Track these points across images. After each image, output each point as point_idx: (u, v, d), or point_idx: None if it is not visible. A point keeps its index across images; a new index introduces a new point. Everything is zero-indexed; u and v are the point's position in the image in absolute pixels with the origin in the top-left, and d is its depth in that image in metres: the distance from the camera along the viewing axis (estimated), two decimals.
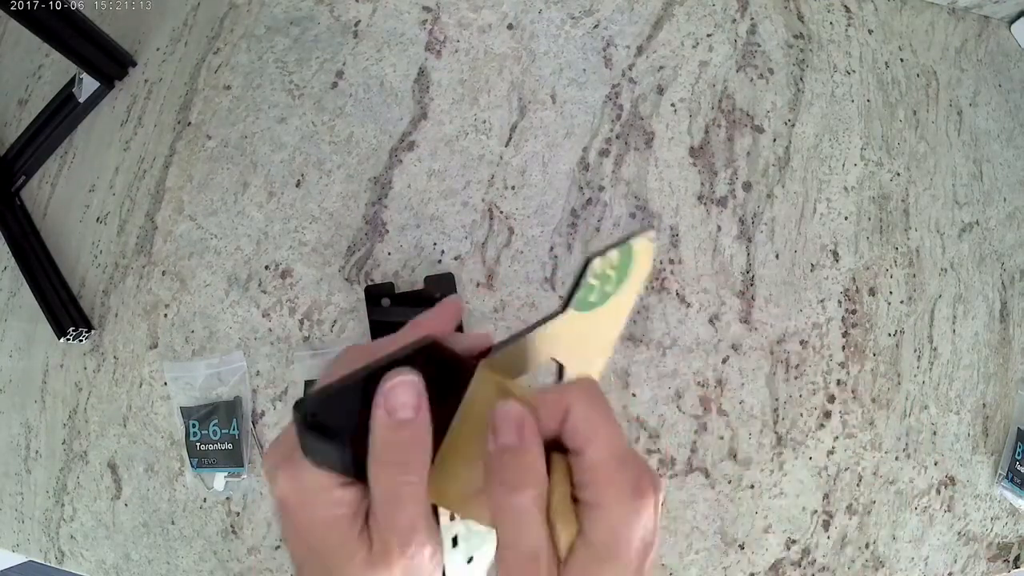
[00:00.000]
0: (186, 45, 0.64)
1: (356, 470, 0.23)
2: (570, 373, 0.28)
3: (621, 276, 0.28)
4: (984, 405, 0.64)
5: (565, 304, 0.27)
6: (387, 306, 0.56)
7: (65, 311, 0.58)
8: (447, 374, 0.25)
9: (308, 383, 0.55)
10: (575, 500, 0.22)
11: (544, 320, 0.27)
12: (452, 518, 0.25)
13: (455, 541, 0.25)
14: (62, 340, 0.57)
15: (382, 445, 0.22)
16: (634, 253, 0.28)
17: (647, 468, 0.23)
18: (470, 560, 0.26)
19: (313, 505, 0.22)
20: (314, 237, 0.58)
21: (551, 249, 0.59)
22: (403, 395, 0.22)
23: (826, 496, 0.60)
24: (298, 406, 0.22)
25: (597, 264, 0.27)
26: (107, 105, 0.64)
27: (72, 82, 0.62)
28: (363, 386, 0.23)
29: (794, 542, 0.59)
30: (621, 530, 0.21)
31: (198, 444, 0.56)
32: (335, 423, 0.22)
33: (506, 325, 0.57)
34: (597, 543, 0.21)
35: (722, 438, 0.58)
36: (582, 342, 0.28)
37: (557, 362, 0.28)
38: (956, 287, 0.65)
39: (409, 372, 0.23)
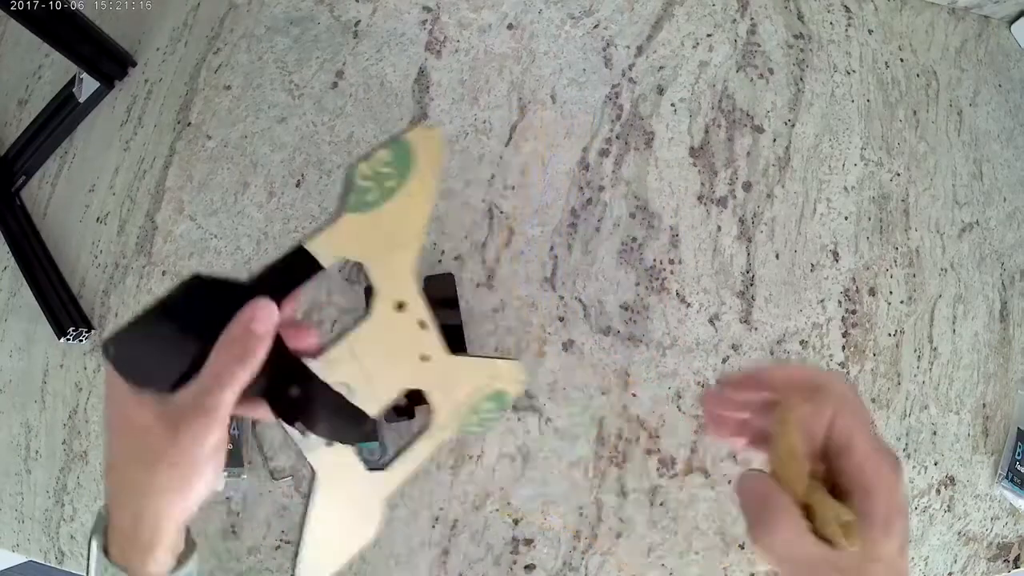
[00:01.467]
0: (186, 45, 0.64)
1: (160, 383, 0.27)
2: (375, 272, 0.31)
3: (402, 170, 0.31)
4: (984, 405, 0.64)
5: (338, 212, 0.30)
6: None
7: (65, 311, 0.58)
8: (211, 298, 0.28)
9: None
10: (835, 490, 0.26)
11: (320, 228, 0.30)
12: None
13: (347, 389, 0.31)
14: (62, 340, 0.57)
15: (233, 337, 0.27)
16: (411, 145, 0.31)
17: (889, 449, 0.27)
18: (329, 444, 0.30)
19: (131, 412, 0.27)
20: None
21: (551, 249, 0.59)
22: (264, 316, 0.27)
23: None
24: (104, 348, 0.27)
25: (363, 167, 0.30)
26: (107, 105, 0.64)
27: (72, 82, 0.62)
28: (154, 318, 0.27)
29: None
30: (893, 503, 0.25)
31: None
32: (134, 355, 0.27)
33: (507, 325, 0.57)
34: (878, 517, 0.25)
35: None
36: (380, 239, 0.31)
37: (360, 263, 0.31)
38: (956, 287, 0.65)
39: (270, 303, 0.28)
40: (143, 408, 0.27)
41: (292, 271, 0.30)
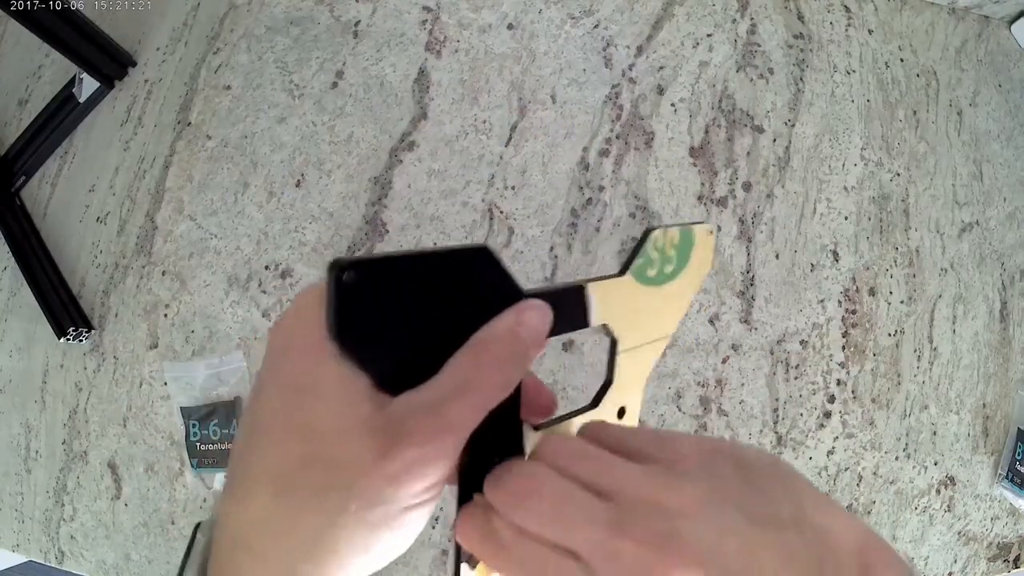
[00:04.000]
0: (186, 45, 0.64)
1: (385, 375, 0.19)
2: (623, 346, 0.27)
3: (681, 260, 0.28)
4: (984, 405, 0.64)
5: (624, 268, 0.26)
6: None
7: (65, 311, 0.58)
8: (486, 284, 0.22)
9: None
10: None
11: (603, 277, 0.26)
12: None
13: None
14: (62, 340, 0.57)
15: (496, 336, 0.19)
16: (695, 239, 0.28)
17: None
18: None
19: (326, 394, 0.18)
20: (314, 237, 0.58)
21: (551, 249, 0.59)
22: (538, 322, 0.20)
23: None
24: (334, 266, 0.18)
25: (658, 235, 0.26)
26: (107, 105, 0.64)
27: (72, 82, 0.62)
28: (410, 268, 0.19)
29: None
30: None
31: (198, 444, 0.56)
32: (377, 305, 0.19)
33: None
34: None
35: (722, 438, 0.58)
36: (639, 317, 0.27)
37: (608, 330, 0.26)
38: (956, 287, 0.65)
39: (548, 308, 0.21)
40: (346, 398, 0.17)
41: (562, 309, 0.23)
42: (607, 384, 0.28)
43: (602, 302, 0.25)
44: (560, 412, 0.26)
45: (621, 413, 0.28)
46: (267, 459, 0.17)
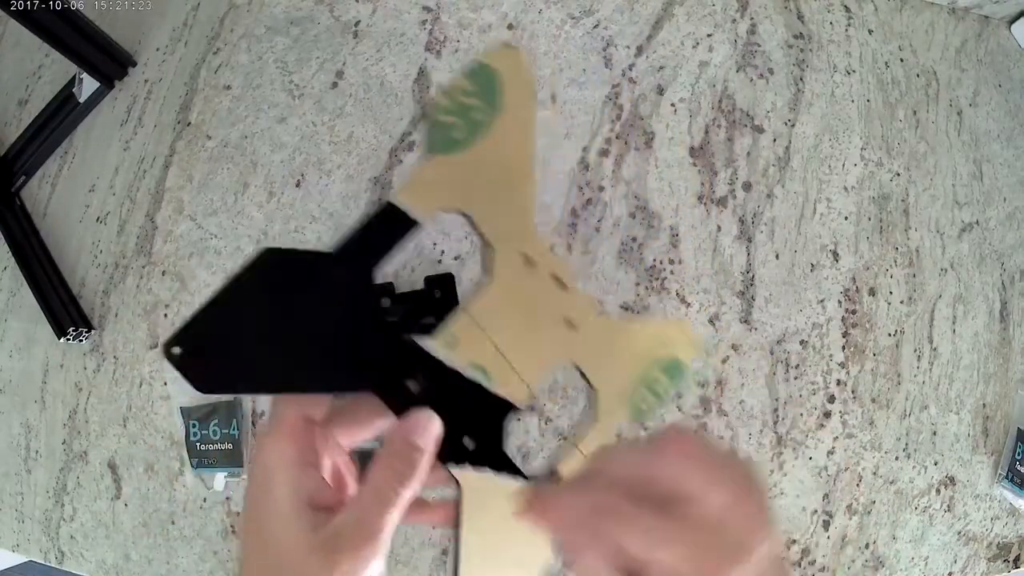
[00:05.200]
0: (186, 45, 0.64)
1: (240, 384, 0.22)
2: (486, 223, 0.26)
3: (489, 98, 0.26)
4: (984, 405, 0.64)
5: (424, 157, 0.25)
6: (387, 306, 0.55)
7: (65, 311, 0.58)
8: (289, 272, 0.23)
9: None
10: None
11: (407, 179, 0.25)
12: None
13: (483, 375, 0.25)
14: (62, 340, 0.57)
15: (393, 452, 0.24)
16: (492, 69, 0.26)
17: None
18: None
19: (272, 482, 0.23)
20: (314, 237, 0.58)
21: (551, 249, 0.59)
22: (427, 428, 0.24)
23: (826, 496, 0.59)
24: (166, 349, 0.21)
25: (442, 100, 0.25)
26: (107, 105, 0.64)
27: (72, 82, 0.62)
28: (224, 308, 0.22)
29: (794, 542, 0.59)
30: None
31: (198, 444, 0.56)
32: (204, 353, 0.22)
33: None
34: None
35: (722, 438, 0.58)
36: (482, 181, 0.26)
37: (464, 214, 0.26)
38: (956, 287, 0.65)
39: (432, 414, 0.24)
40: (292, 529, 0.23)
41: (381, 232, 0.24)
42: (489, 251, 0.26)
43: (418, 197, 0.25)
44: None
45: (528, 260, 0.27)
46: (248, 565, 0.24)
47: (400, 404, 0.24)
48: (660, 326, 0.30)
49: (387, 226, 0.25)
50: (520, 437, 0.56)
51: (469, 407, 0.25)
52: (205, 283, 0.58)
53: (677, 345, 0.30)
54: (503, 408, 0.26)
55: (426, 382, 0.25)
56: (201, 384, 0.21)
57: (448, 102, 0.25)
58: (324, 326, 0.23)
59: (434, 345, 0.25)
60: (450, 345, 0.25)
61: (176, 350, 0.21)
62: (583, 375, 0.28)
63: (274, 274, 0.23)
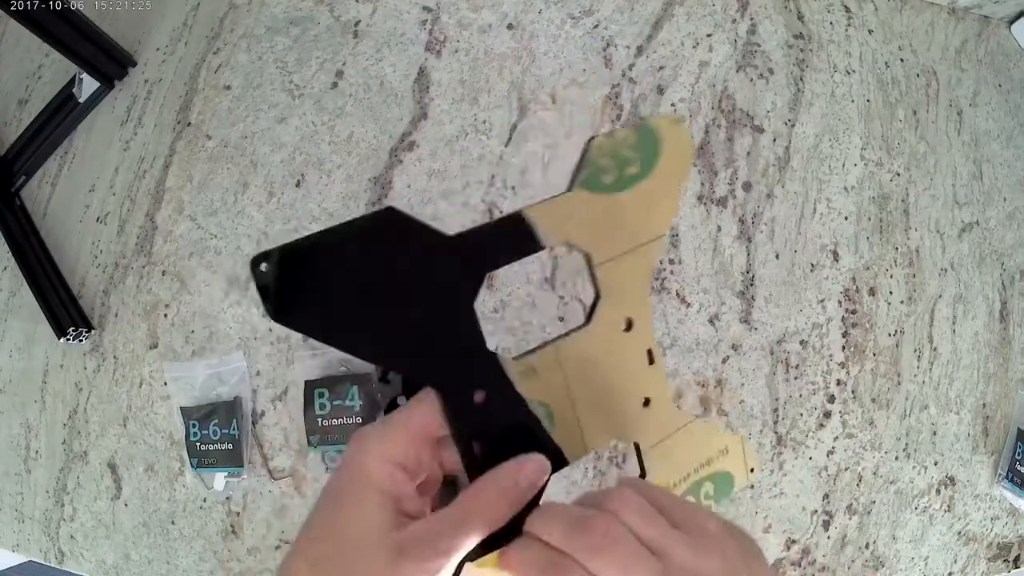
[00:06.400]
0: (186, 45, 0.64)
1: (322, 331, 0.22)
2: (599, 258, 0.26)
3: (648, 158, 0.26)
4: (984, 405, 0.64)
5: (569, 187, 0.25)
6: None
7: (65, 311, 0.58)
8: (403, 239, 0.23)
9: (308, 383, 0.55)
10: None
11: (546, 200, 0.25)
12: None
13: (545, 412, 0.25)
14: (62, 340, 0.57)
15: (501, 484, 0.24)
16: (658, 133, 0.26)
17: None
18: None
19: (365, 470, 0.24)
20: None
21: (551, 249, 0.59)
22: (535, 474, 0.25)
23: (826, 496, 0.60)
24: (255, 262, 0.20)
25: (599, 142, 0.25)
26: (107, 105, 0.64)
27: (72, 82, 0.62)
28: (325, 245, 0.21)
29: (794, 542, 0.59)
30: None
31: (198, 444, 0.56)
32: (293, 280, 0.21)
33: (507, 325, 0.57)
34: None
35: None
36: (609, 226, 0.26)
37: (572, 246, 0.25)
38: (956, 287, 0.65)
39: (548, 465, 0.25)
40: (368, 520, 0.23)
41: (504, 240, 0.24)
42: (596, 299, 0.27)
43: (550, 221, 0.24)
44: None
45: (629, 325, 0.27)
46: (310, 544, 0.24)
47: (456, 411, 0.24)
48: (730, 439, 0.30)
49: (511, 237, 0.24)
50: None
51: (521, 441, 0.25)
52: (205, 283, 0.58)
53: (736, 462, 0.30)
54: (554, 456, 0.25)
55: (491, 399, 0.24)
56: (276, 312, 0.21)
57: (609, 146, 0.25)
58: (416, 305, 0.23)
59: (510, 368, 0.24)
60: (525, 375, 0.25)
61: (264, 267, 0.20)
62: (639, 454, 0.28)
63: (391, 233, 0.22)
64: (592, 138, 0.25)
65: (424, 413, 0.25)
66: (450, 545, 0.23)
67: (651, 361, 0.27)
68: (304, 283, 0.21)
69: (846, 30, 0.68)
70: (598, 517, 0.23)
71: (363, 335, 0.22)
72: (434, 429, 0.25)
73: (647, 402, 0.27)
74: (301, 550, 0.24)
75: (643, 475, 0.29)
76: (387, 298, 0.22)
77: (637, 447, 0.27)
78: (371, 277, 0.22)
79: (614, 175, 0.25)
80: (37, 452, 0.59)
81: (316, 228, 0.58)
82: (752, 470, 0.31)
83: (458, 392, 0.24)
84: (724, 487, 0.29)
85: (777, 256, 0.62)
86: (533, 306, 0.57)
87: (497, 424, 0.24)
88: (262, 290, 0.21)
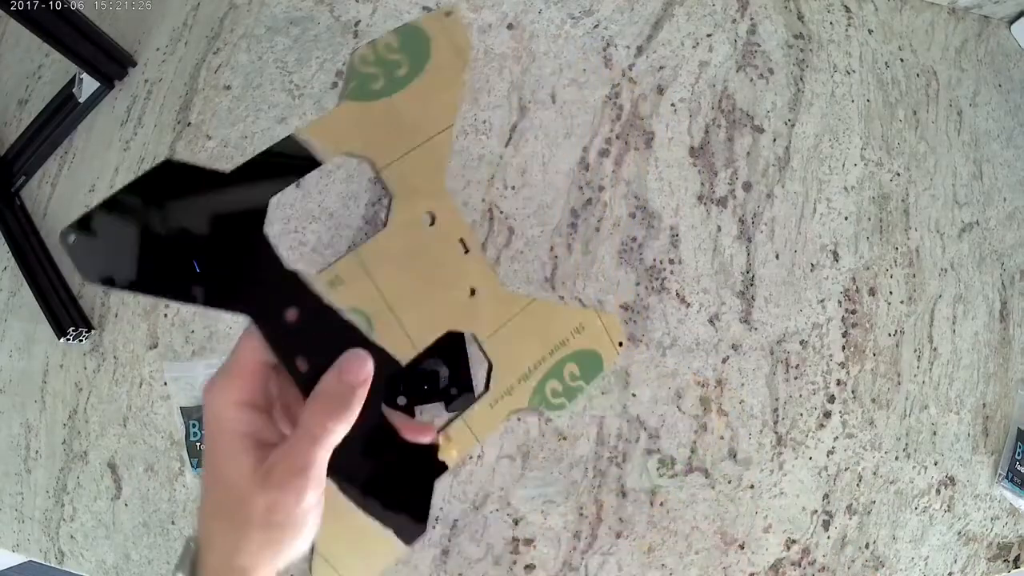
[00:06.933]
0: (186, 45, 0.64)
1: (123, 275, 0.23)
2: (385, 160, 0.26)
3: (417, 58, 0.26)
4: (984, 405, 0.64)
5: (339, 102, 0.26)
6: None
7: (65, 311, 0.58)
8: (186, 185, 0.25)
9: None
10: None
11: (316, 119, 0.26)
12: None
13: (363, 320, 0.26)
14: (62, 340, 0.57)
15: (327, 392, 0.26)
16: (425, 31, 0.26)
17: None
18: None
19: (221, 420, 0.26)
20: (314, 237, 0.58)
21: (551, 249, 0.59)
22: (360, 367, 0.26)
23: (826, 496, 0.60)
24: (63, 236, 0.23)
25: (361, 52, 0.25)
26: (107, 105, 0.64)
27: (72, 82, 0.62)
28: (114, 207, 0.24)
29: (794, 542, 0.59)
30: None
31: (198, 444, 0.56)
32: (96, 243, 0.23)
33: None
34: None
35: (722, 438, 0.58)
36: (391, 132, 0.26)
37: (353, 155, 0.26)
38: (956, 287, 0.65)
39: (367, 354, 0.26)
40: (236, 464, 0.25)
41: (281, 164, 0.25)
42: (390, 200, 0.27)
43: (324, 138, 0.25)
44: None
45: (433, 219, 0.27)
46: (206, 494, 0.27)
47: (273, 333, 0.25)
48: (583, 314, 0.28)
49: (288, 160, 0.25)
50: (520, 437, 0.56)
51: (342, 349, 0.26)
52: None
53: (598, 338, 0.28)
54: (379, 355, 0.26)
55: (304, 315, 0.25)
56: (87, 272, 0.23)
57: (372, 54, 0.25)
58: (212, 243, 0.25)
59: (316, 282, 0.25)
60: (332, 285, 0.25)
61: (71, 238, 0.23)
62: (480, 346, 0.27)
63: (171, 183, 0.24)
64: (354, 50, 0.25)
65: (250, 347, 0.26)
66: (304, 461, 0.25)
67: (467, 250, 0.27)
68: (104, 243, 0.23)
69: (846, 30, 0.68)
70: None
71: (166, 278, 0.24)
72: (265, 356, 0.26)
73: (473, 292, 0.27)
74: (203, 501, 0.27)
75: (490, 366, 0.28)
76: (182, 241, 0.24)
77: (476, 340, 0.27)
78: (163, 225, 0.24)
79: (383, 81, 0.26)
80: (37, 452, 0.59)
81: (316, 228, 0.58)
82: (620, 344, 0.29)
83: (267, 315, 0.25)
84: (590, 366, 0.28)
85: (777, 256, 0.62)
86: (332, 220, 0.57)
87: (315, 338, 0.25)
88: (72, 257, 0.23)
